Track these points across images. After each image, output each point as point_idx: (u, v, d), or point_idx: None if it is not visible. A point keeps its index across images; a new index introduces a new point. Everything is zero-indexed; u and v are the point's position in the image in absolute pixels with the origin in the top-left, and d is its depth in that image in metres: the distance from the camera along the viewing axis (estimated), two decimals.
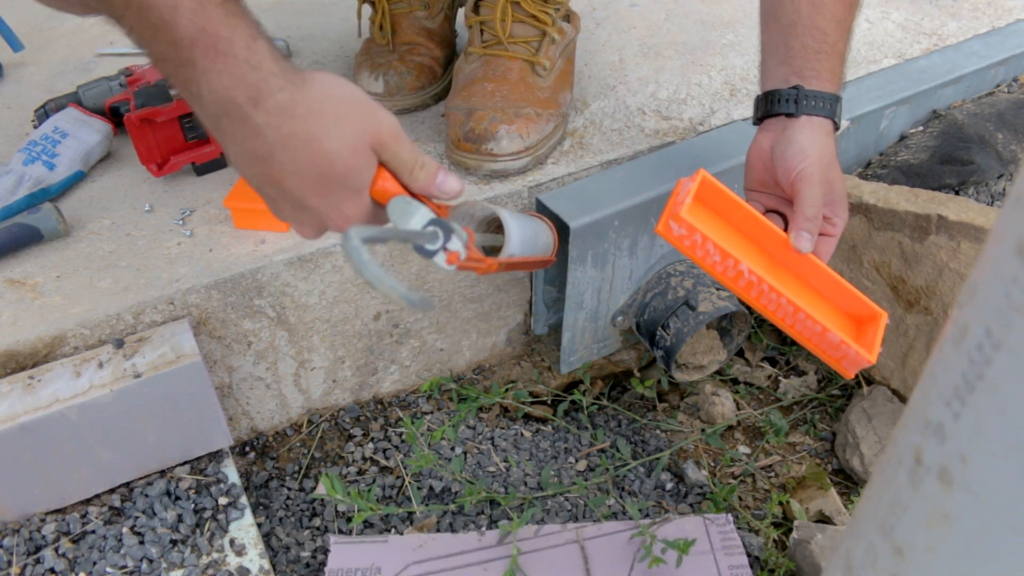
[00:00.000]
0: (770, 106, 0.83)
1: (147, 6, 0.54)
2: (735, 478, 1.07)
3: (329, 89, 0.60)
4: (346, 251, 0.52)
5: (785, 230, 0.80)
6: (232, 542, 0.90)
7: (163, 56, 0.57)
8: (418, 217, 0.64)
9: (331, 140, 0.60)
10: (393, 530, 0.98)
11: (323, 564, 0.94)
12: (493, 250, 0.77)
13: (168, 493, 0.92)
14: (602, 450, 1.10)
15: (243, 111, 0.57)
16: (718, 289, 1.06)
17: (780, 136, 0.81)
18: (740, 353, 1.23)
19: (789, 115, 0.81)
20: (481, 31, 1.05)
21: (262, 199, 1.00)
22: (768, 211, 0.84)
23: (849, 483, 1.06)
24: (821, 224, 0.80)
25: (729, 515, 0.98)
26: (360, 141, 0.61)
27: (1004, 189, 1.25)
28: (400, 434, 1.09)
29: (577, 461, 1.09)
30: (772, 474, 1.08)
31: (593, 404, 1.17)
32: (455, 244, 0.63)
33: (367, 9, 1.18)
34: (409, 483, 1.03)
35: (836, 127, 0.83)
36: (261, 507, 1.00)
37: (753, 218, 0.79)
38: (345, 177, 0.61)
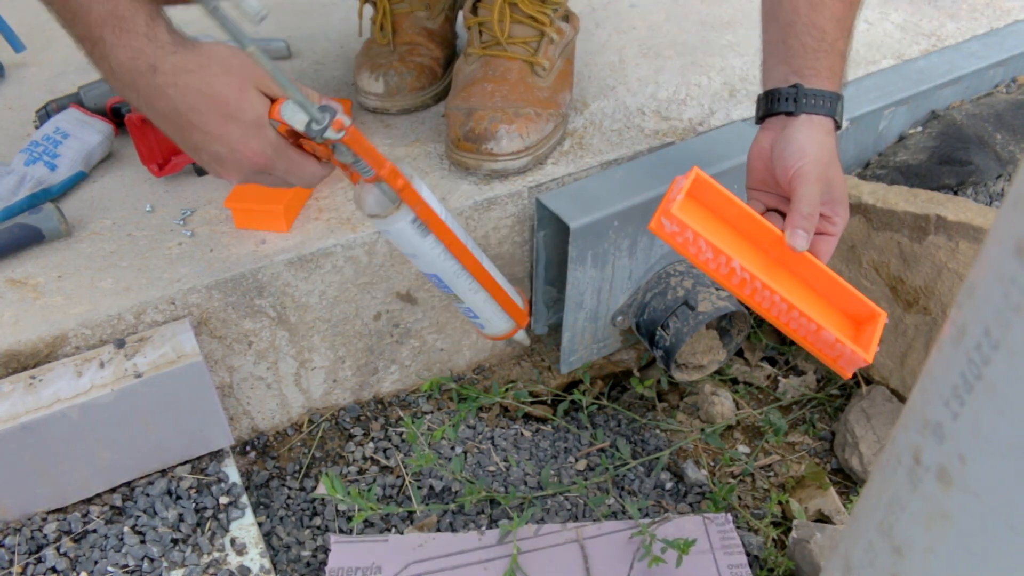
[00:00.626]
0: (771, 105, 0.83)
1: None
2: (734, 478, 1.07)
3: (214, 49, 0.71)
4: None
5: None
6: (233, 541, 0.90)
7: (82, 36, 0.68)
8: (304, 110, 0.73)
9: (220, 86, 0.70)
10: (393, 529, 0.99)
11: (323, 563, 0.94)
12: None
13: (169, 492, 0.93)
14: (602, 450, 1.10)
15: (146, 77, 0.68)
16: (717, 289, 1.07)
17: (779, 135, 0.81)
18: (739, 353, 1.24)
19: (789, 114, 0.81)
20: (480, 32, 1.05)
21: (262, 200, 1.01)
22: (769, 210, 0.84)
23: (848, 483, 1.07)
24: (820, 223, 0.79)
25: (728, 514, 0.99)
26: (245, 84, 0.71)
27: (1002, 189, 1.26)
28: (400, 434, 1.09)
29: (577, 461, 1.09)
30: (771, 473, 1.08)
31: (593, 404, 1.18)
32: (341, 116, 0.70)
33: (368, 9, 1.18)
34: (409, 483, 1.03)
35: (837, 125, 0.82)
36: (262, 506, 1.00)
37: (748, 216, 0.79)
38: (239, 112, 0.70)
